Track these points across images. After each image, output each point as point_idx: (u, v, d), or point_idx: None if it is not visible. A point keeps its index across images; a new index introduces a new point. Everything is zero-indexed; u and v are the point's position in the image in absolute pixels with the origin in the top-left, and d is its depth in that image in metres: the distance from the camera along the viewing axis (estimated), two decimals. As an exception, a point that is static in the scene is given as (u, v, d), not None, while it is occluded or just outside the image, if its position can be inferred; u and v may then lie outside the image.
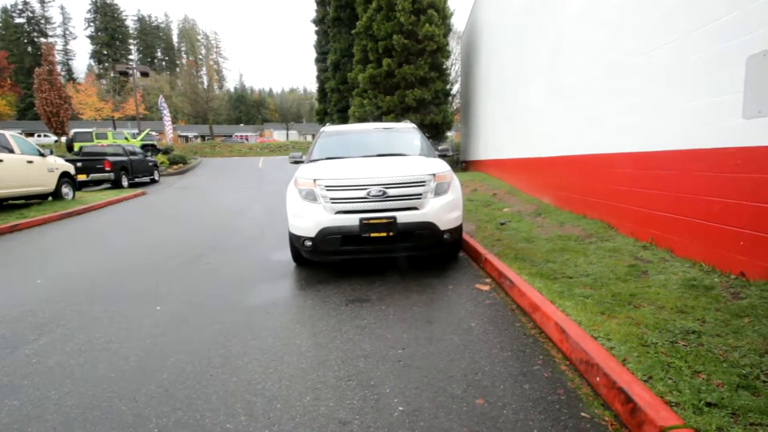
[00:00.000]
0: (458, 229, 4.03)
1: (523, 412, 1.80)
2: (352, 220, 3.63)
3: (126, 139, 18.32)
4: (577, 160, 5.63)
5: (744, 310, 2.46)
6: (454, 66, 22.22)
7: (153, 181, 15.88)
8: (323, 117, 22.97)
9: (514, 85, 9.06)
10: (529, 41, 7.86)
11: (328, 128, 5.54)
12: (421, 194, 3.77)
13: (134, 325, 2.93)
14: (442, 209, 3.80)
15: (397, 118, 14.67)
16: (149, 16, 64.95)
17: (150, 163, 16.02)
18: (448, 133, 19.66)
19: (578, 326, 2.35)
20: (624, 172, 4.48)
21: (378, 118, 14.99)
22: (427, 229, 3.73)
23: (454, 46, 21.66)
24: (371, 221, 3.63)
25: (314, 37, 23.89)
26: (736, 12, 2.90)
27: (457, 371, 2.15)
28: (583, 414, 1.78)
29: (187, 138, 41.92)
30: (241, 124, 63.65)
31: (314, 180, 3.84)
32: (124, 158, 13.88)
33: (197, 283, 3.91)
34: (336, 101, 18.97)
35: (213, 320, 2.98)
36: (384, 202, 3.68)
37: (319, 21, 22.42)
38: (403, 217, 3.66)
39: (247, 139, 51.37)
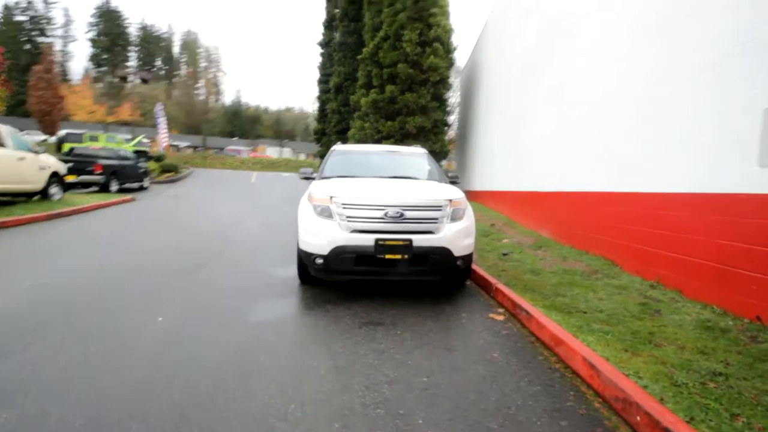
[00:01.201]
0: (470, 257, 4.01)
1: (564, 452, 1.73)
2: (368, 240, 3.58)
3: (119, 143, 18.02)
4: (582, 196, 5.74)
5: (765, 354, 2.47)
6: (451, 97, 22.82)
7: (142, 188, 15.55)
8: (321, 137, 23.14)
9: (515, 122, 9.32)
10: (532, 82, 8.15)
11: (340, 147, 5.56)
12: (437, 218, 3.75)
13: (134, 337, 2.77)
14: (457, 235, 3.78)
15: (397, 143, 14.88)
16: (152, 26, 65.70)
17: (141, 170, 15.72)
18: (442, 162, 20.00)
19: (607, 362, 2.31)
20: (631, 211, 4.57)
21: (377, 142, 15.17)
22: (442, 254, 3.69)
23: (454, 80, 22.35)
24: (387, 242, 3.58)
25: (318, 59, 24.41)
26: (754, 65, 3.06)
27: (488, 404, 2.08)
28: (626, 455, 1.72)
29: (178, 147, 41.49)
30: (235, 138, 63.55)
31: (330, 197, 3.80)
32: (116, 162, 13.61)
33: (198, 295, 3.76)
34: (336, 122, 19.19)
35: (219, 336, 2.84)
36: (401, 224, 3.65)
37: (324, 44, 22.96)
38: (418, 240, 3.62)
39: (239, 153, 51.17)
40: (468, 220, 3.99)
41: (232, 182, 20.84)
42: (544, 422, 1.93)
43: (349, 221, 3.66)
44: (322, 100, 22.78)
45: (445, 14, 15.05)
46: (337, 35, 21.73)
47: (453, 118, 21.95)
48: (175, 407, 1.97)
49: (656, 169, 4.20)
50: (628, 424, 1.92)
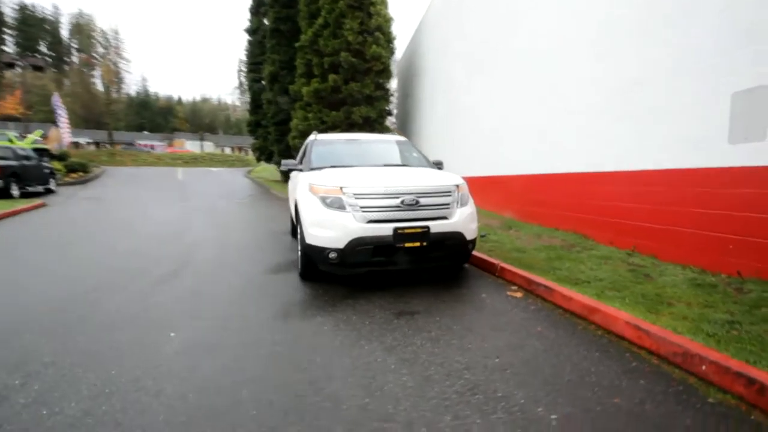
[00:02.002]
0: (476, 240, 4.11)
1: (662, 406, 1.87)
2: (386, 230, 3.48)
3: (10, 140, 15.17)
4: (551, 177, 6.17)
5: (756, 302, 2.91)
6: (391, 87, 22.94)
7: (48, 191, 13.36)
8: (255, 128, 21.82)
9: (468, 113, 9.69)
10: (485, 73, 8.52)
11: (321, 136, 5.30)
12: (449, 204, 3.77)
13: (153, 356, 2.39)
14: (467, 219, 3.84)
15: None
16: (33, 6, 55.78)
17: (46, 170, 13.49)
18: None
19: (652, 324, 2.54)
20: (605, 189, 5.04)
21: (324, 132, 14.76)
22: (456, 238, 3.73)
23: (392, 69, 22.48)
24: (406, 230, 3.51)
25: (242, 46, 22.95)
26: (725, 57, 3.52)
27: (569, 374, 2.16)
28: (710, 400, 1.91)
29: (77, 144, 36.16)
30: (145, 132, 57.34)
31: (341, 187, 3.61)
32: (15, 163, 11.49)
33: (192, 306, 3.36)
34: (274, 113, 18.19)
35: (249, 343, 2.57)
36: (417, 211, 3.61)
37: (252, 31, 21.52)
38: (435, 226, 3.61)
39: (153, 148, 46.39)
40: (472, 206, 4.07)
41: (156, 180, 18.87)
42: (625, 384, 2.06)
43: (364, 211, 3.52)
44: (254, 90, 21.44)
45: (384, 3, 15.02)
46: (266, 21, 20.52)
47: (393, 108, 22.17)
48: None
49: (636, 151, 4.64)
50: (694, 375, 2.13)
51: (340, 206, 3.56)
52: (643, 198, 4.43)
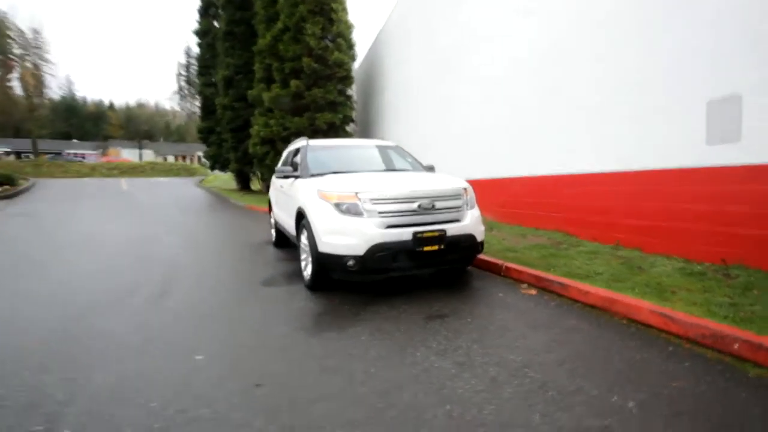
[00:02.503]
0: (483, 242, 4.20)
1: (714, 384, 2.02)
2: (405, 235, 3.46)
3: None
4: (532, 180, 6.47)
5: (746, 286, 3.25)
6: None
7: (-32, 208, 11.74)
8: (208, 135, 20.72)
9: (437, 118, 9.94)
10: (459, 78, 8.79)
11: (312, 142, 5.16)
12: (460, 207, 3.84)
13: (188, 381, 2.18)
14: (476, 221, 3.93)
15: (306, 141, 14.35)
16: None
17: (-35, 184, 11.86)
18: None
19: (675, 310, 2.74)
20: (587, 189, 5.38)
21: (286, 139, 14.39)
22: (469, 240, 3.80)
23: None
24: (425, 234, 3.52)
25: (184, 49, 21.76)
26: (700, 69, 3.92)
27: (619, 363, 2.28)
28: (751, 375, 2.10)
29: (-8, 154, 32.20)
30: (74, 140, 52.35)
31: (356, 193, 3.54)
32: (-72, 176, 9.97)
33: (202, 327, 3.11)
34: (230, 119, 17.40)
35: (295, 361, 2.43)
36: (433, 215, 3.63)
37: (202, 33, 20.46)
38: (450, 229, 3.65)
39: (83, 158, 42.51)
40: (477, 208, 4.17)
41: (98, 193, 17.32)
42: (672, 367, 2.22)
43: (382, 217, 3.47)
44: (206, 95, 20.38)
45: (345, 10, 15.02)
46: (216, 24, 19.65)
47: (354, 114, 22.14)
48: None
49: (614, 153, 5.00)
50: (727, 354, 2.33)
51: (357, 212, 3.49)
52: (626, 197, 4.80)
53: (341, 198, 3.57)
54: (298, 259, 5.30)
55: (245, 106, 16.72)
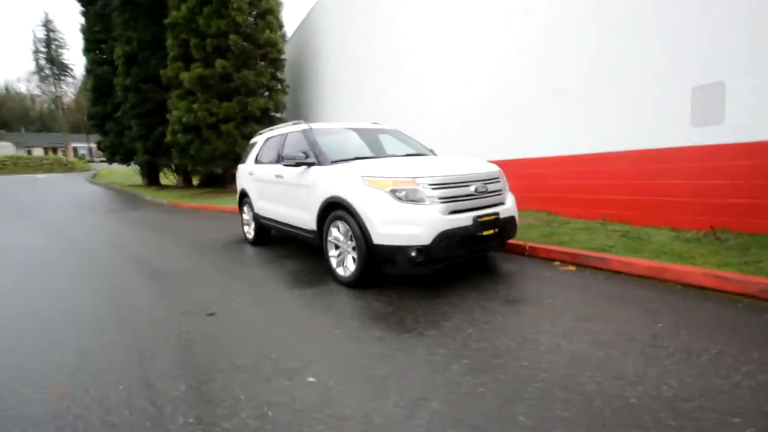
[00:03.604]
0: None
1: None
2: (466, 220, 3.33)
3: None
4: (512, 163, 6.76)
5: (742, 246, 3.82)
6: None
7: None
8: (102, 122, 17.48)
9: (394, 101, 9.81)
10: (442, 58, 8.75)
11: (315, 126, 4.65)
12: (502, 189, 3.82)
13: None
14: (514, 203, 3.96)
15: (239, 128, 13.09)
16: None
17: None
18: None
19: (725, 272, 3.10)
20: (571, 170, 5.81)
21: (214, 126, 12.89)
22: (512, 223, 3.82)
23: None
24: (484, 218, 3.43)
25: (80, 20, 17.94)
26: (685, 58, 4.44)
27: (718, 323, 2.49)
28: (823, 320, 2.47)
29: None
30: None
31: (414, 178, 3.28)
32: None
33: (245, 331, 2.63)
34: (135, 102, 14.85)
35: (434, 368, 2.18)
36: (486, 199, 3.55)
37: (88, 0, 16.94)
38: (501, 212, 3.62)
39: None
40: None
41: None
42: (757, 320, 2.50)
43: (443, 202, 3.28)
44: (97, 75, 17.10)
45: (273, -15, 13.85)
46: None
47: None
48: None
49: (604, 134, 5.43)
50: (788, 304, 2.71)
51: (418, 199, 3.24)
52: (611, 175, 5.30)
53: (397, 184, 3.27)
54: (295, 257, 4.84)
55: (156, 87, 14.50)
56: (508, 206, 3.77)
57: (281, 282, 3.91)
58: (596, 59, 5.35)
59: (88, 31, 17.59)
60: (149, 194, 14.68)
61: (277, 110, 14.44)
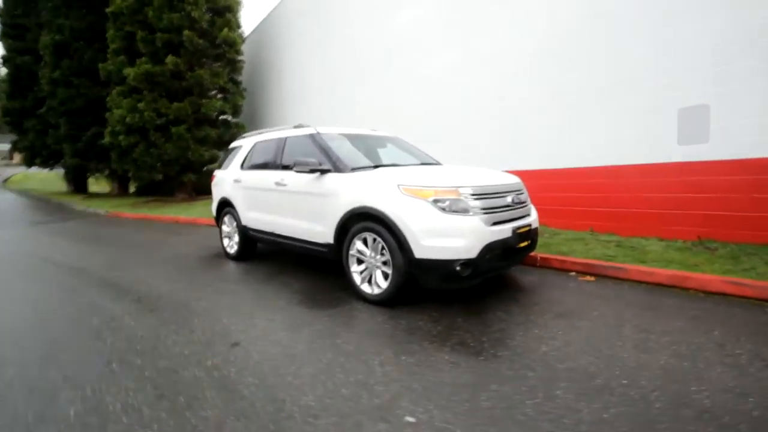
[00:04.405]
0: None
1: None
2: (507, 231, 3.23)
3: None
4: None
5: (731, 255, 4.16)
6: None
7: None
8: (20, 119, 15.07)
9: (364, 109, 9.63)
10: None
11: (323, 130, 4.31)
12: (527, 201, 3.79)
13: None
14: (536, 214, 3.95)
15: (191, 131, 12.06)
16: None
17: None
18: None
19: (742, 278, 3.30)
20: (559, 183, 6.02)
21: (163, 128, 11.72)
22: (537, 233, 3.80)
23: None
24: (521, 230, 3.36)
25: None
26: (672, 80, 4.80)
27: (757, 327, 2.62)
28: None
29: None
30: None
31: (457, 188, 3.11)
32: None
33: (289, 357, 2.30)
34: (64, 98, 13.00)
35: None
36: (519, 210, 3.49)
37: (3, -23, 14.67)
38: (532, 223, 3.59)
39: None
40: None
41: None
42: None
43: (485, 213, 3.15)
44: (17, 65, 14.78)
45: (232, -17, 13.11)
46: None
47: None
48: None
49: (595, 150, 5.68)
50: (807, 308, 2.94)
51: (463, 209, 3.07)
52: (600, 188, 5.57)
53: (440, 194, 3.08)
54: (291, 273, 4.49)
55: (90, 82, 12.87)
56: (534, 217, 3.75)
57: (295, 302, 3.50)
58: (584, 76, 5.64)
59: (6, 14, 15.15)
60: (79, 203, 12.92)
61: (234, 114, 13.56)
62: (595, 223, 5.63)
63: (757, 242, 4.28)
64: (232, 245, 5.36)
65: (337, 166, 3.73)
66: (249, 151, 5.15)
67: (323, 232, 3.79)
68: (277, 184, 4.35)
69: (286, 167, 4.35)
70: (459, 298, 3.43)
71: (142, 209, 11.49)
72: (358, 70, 9.89)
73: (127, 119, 11.36)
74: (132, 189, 16.32)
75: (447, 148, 7.46)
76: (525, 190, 3.82)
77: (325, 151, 3.92)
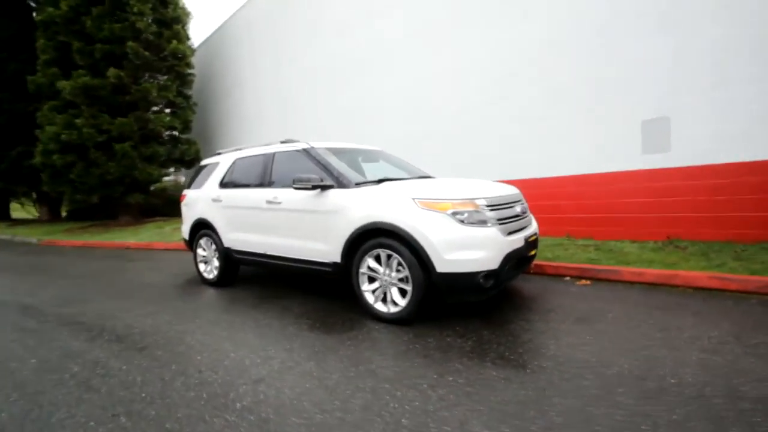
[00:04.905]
0: None
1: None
2: (520, 241, 3.28)
3: None
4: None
5: (701, 252, 4.56)
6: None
7: None
8: None
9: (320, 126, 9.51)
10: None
11: (317, 144, 4.14)
12: (528, 210, 3.89)
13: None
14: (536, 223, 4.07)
15: (137, 148, 11.15)
16: None
17: None
18: (171, 178, 16.34)
19: (725, 273, 3.61)
20: (534, 192, 6.28)
21: (104, 146, 10.70)
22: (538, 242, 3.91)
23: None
24: (531, 239, 3.43)
25: None
26: (638, 95, 5.24)
27: (755, 317, 2.86)
28: (822, 307, 3.03)
29: None
30: None
31: (473, 199, 3.11)
32: None
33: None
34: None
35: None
36: (524, 219, 3.56)
37: None
38: (536, 231, 3.68)
39: None
40: None
41: None
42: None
43: (501, 224, 3.17)
44: None
45: (179, -6, 12.50)
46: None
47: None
48: None
49: (564, 162, 6.01)
50: (785, 297, 3.26)
51: (481, 221, 3.06)
52: (573, 196, 5.90)
53: (457, 206, 3.05)
54: (285, 296, 4.30)
55: (12, 97, 11.45)
56: (536, 226, 3.85)
57: (306, 328, 3.26)
58: (553, 91, 6.01)
59: None
60: (3, 231, 11.31)
61: (184, 130, 12.77)
62: (570, 228, 5.94)
63: (719, 239, 4.74)
64: (210, 270, 4.94)
65: (341, 182, 3.59)
66: (228, 169, 4.82)
67: (327, 251, 3.60)
68: (269, 202, 4.09)
69: (273, 184, 4.15)
70: (472, 310, 3.40)
71: (81, 236, 10.31)
72: (320, 83, 9.78)
73: (63, 136, 10.24)
74: (64, 213, 14.66)
75: (422, 160, 7.54)
76: (525, 200, 3.92)
77: (325, 167, 3.76)
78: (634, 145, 5.32)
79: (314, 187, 3.59)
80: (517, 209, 3.43)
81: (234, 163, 4.79)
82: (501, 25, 6.52)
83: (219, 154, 5.26)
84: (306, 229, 3.77)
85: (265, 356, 2.74)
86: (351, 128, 8.92)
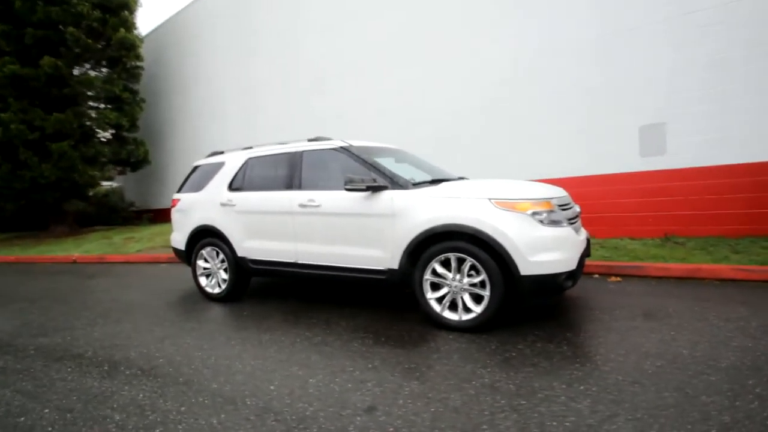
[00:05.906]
0: None
1: None
2: (585, 241, 3.30)
3: None
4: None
5: (700, 247, 4.95)
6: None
7: None
8: None
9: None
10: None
11: (355, 143, 3.82)
12: (572, 210, 3.93)
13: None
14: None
15: (77, 147, 9.77)
16: None
17: None
18: (109, 183, 14.57)
19: (745, 265, 3.91)
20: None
21: (36, 144, 9.19)
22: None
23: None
24: (588, 238, 3.44)
25: None
26: (635, 102, 5.58)
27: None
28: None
29: None
30: None
31: (549, 199, 3.04)
32: None
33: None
34: None
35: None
36: (579, 219, 3.58)
37: None
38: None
39: None
40: None
41: None
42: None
43: (571, 224, 3.15)
44: None
45: (127, -24, 11.21)
46: None
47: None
48: None
49: (564, 163, 6.23)
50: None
51: (558, 221, 3.00)
52: (574, 196, 6.12)
53: (536, 206, 2.95)
54: (317, 309, 3.97)
55: None
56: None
57: (371, 343, 2.94)
58: (555, 97, 6.24)
59: None
60: None
61: (131, 128, 11.43)
62: (569, 228, 6.17)
63: (712, 235, 5.20)
64: (215, 284, 4.36)
65: (396, 182, 3.33)
66: (240, 169, 4.30)
67: (381, 257, 3.32)
68: (303, 206, 3.69)
69: (304, 186, 3.78)
70: (530, 313, 3.32)
71: (10, 249, 8.72)
72: (289, 80, 9.29)
73: (-13, 133, 8.63)
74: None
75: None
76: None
77: (374, 166, 3.47)
78: (632, 149, 5.67)
79: (368, 189, 3.29)
80: (576, 209, 3.43)
81: (246, 162, 4.29)
82: (501, 35, 6.66)
83: (218, 153, 4.70)
84: (353, 234, 3.45)
85: (351, 378, 2.41)
86: (325, 131, 8.54)
